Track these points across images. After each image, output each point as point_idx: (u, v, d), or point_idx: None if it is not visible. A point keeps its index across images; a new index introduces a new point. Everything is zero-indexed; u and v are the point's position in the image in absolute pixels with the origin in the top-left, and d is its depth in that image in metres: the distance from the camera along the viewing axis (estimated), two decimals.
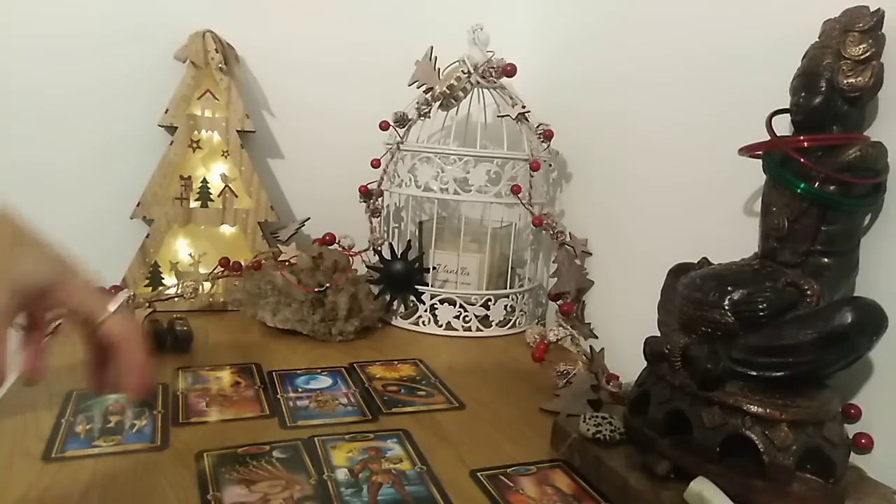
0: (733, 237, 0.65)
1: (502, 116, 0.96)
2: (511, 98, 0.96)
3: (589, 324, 0.94)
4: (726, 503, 0.47)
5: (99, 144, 0.99)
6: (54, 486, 0.51)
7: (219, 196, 0.99)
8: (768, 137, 0.56)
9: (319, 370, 0.78)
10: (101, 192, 0.99)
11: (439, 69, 0.95)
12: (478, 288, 0.99)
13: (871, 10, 0.52)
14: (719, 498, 0.47)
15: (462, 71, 0.93)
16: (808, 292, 0.51)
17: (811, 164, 0.52)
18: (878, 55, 0.52)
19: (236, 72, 0.98)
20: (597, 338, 0.92)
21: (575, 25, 1.04)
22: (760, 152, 0.58)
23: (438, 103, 0.94)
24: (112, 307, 0.41)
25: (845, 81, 0.51)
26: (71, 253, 0.40)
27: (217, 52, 0.94)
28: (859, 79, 0.51)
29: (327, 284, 0.89)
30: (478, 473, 0.56)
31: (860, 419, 0.55)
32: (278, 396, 0.70)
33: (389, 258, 0.94)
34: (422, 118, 0.95)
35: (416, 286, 0.95)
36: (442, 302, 0.96)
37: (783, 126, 0.57)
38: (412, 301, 0.96)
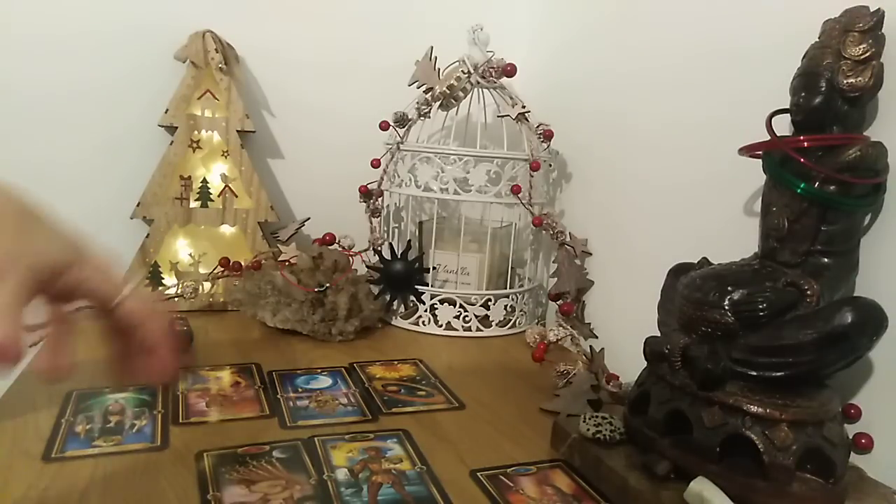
0: (733, 237, 0.65)
1: (502, 116, 0.96)
2: (511, 98, 0.96)
3: (589, 324, 0.94)
4: (726, 503, 0.47)
5: (99, 144, 0.99)
6: (54, 486, 0.51)
7: (219, 196, 0.99)
8: (768, 137, 0.56)
9: (319, 370, 0.78)
10: (101, 192, 0.99)
11: (439, 69, 0.95)
12: (478, 288, 0.99)
13: (871, 10, 0.52)
14: (719, 498, 0.47)
15: (462, 71, 0.93)
16: (808, 292, 0.51)
17: (811, 164, 0.52)
18: (878, 55, 0.52)
19: (236, 72, 0.98)
20: (597, 338, 0.92)
21: (575, 25, 1.04)
22: (760, 152, 0.58)
23: (438, 103, 0.94)
24: (129, 288, 0.40)
25: (845, 81, 0.51)
26: (85, 235, 0.40)
27: (217, 52, 0.94)
28: (859, 79, 0.51)
29: (327, 284, 0.89)
30: (478, 473, 0.56)
31: (860, 419, 0.55)
32: (278, 396, 0.70)
33: (389, 258, 0.94)
34: (422, 118, 0.95)
35: (416, 286, 0.95)
36: (442, 302, 0.96)
37: (783, 126, 0.57)
38: (412, 301, 0.96)
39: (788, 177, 0.54)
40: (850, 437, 0.54)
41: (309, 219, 1.03)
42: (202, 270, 0.99)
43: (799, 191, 0.53)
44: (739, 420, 0.49)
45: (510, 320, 0.99)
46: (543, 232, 0.96)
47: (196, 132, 0.97)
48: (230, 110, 0.97)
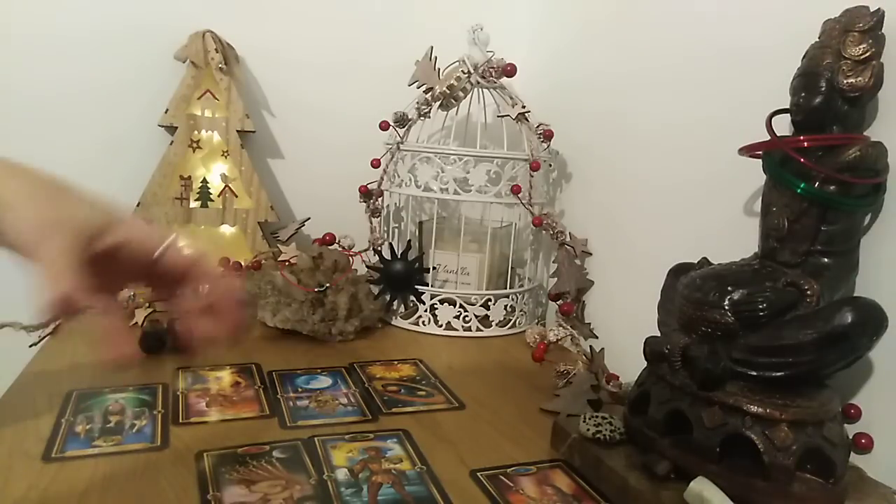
0: (733, 237, 0.64)
1: (502, 116, 0.96)
2: (511, 98, 0.96)
3: (589, 324, 0.94)
4: (726, 503, 0.47)
5: (99, 144, 0.99)
6: (54, 486, 0.51)
7: (219, 196, 0.99)
8: (768, 137, 0.56)
9: (319, 370, 0.78)
10: (101, 192, 0.99)
11: (439, 69, 0.95)
12: (478, 288, 0.99)
13: (871, 10, 0.52)
14: (719, 498, 0.47)
15: (462, 71, 0.93)
16: (808, 292, 0.51)
17: (811, 164, 0.52)
18: (878, 55, 0.52)
19: (236, 72, 0.98)
20: (597, 338, 0.92)
21: (575, 25, 1.04)
22: (760, 152, 0.58)
23: (438, 103, 0.94)
24: (170, 239, 0.41)
25: (845, 81, 0.51)
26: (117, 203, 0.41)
27: (217, 52, 0.94)
28: (859, 79, 0.51)
29: (327, 284, 0.89)
30: (478, 473, 0.56)
31: (860, 419, 0.55)
32: (278, 396, 0.70)
33: (389, 258, 0.94)
34: (422, 118, 0.95)
35: (416, 286, 0.95)
36: (442, 302, 0.96)
37: (783, 126, 0.57)
38: (412, 301, 0.96)
39: (788, 177, 0.54)
40: (850, 437, 0.54)
41: (309, 219, 1.04)
42: None
43: (799, 191, 0.53)
44: (739, 420, 0.49)
45: (510, 320, 0.99)
46: (543, 232, 0.96)
47: (196, 132, 0.97)
48: (230, 110, 0.97)
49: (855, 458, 0.54)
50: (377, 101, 0.97)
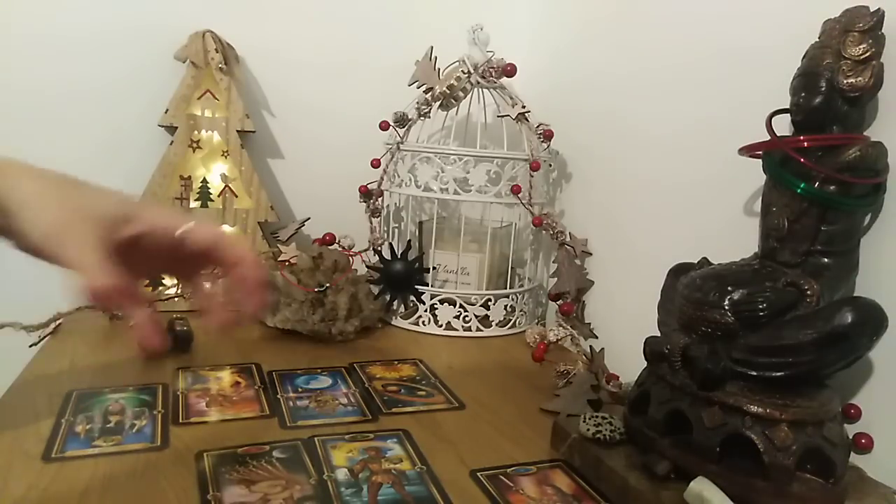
0: (733, 237, 0.64)
1: (502, 116, 0.96)
2: (511, 98, 0.96)
3: (589, 324, 0.94)
4: (726, 503, 0.47)
5: (99, 144, 0.99)
6: (54, 486, 0.51)
7: (219, 196, 0.99)
8: (768, 137, 0.56)
9: (319, 370, 0.78)
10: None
11: (439, 69, 0.95)
12: (478, 288, 0.99)
13: (871, 10, 0.52)
14: (719, 498, 0.47)
15: (462, 71, 0.93)
16: (808, 292, 0.51)
17: (811, 164, 0.52)
18: (878, 55, 0.52)
19: (236, 72, 0.98)
20: (597, 338, 0.92)
21: (575, 25, 1.04)
22: (760, 152, 0.58)
23: (438, 103, 0.94)
24: (193, 219, 0.42)
25: (845, 81, 0.51)
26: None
27: (217, 52, 0.94)
28: (859, 79, 0.51)
29: (327, 284, 0.89)
30: (478, 473, 0.56)
31: (860, 419, 0.55)
32: (278, 396, 0.70)
33: (389, 258, 0.94)
34: (422, 118, 0.95)
35: (416, 286, 0.95)
36: (442, 302, 0.96)
37: (783, 126, 0.57)
38: (412, 301, 0.96)
39: (788, 177, 0.54)
40: (850, 437, 0.54)
41: (309, 219, 1.03)
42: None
43: (799, 191, 0.53)
44: (739, 420, 0.49)
45: (510, 320, 0.99)
46: (543, 232, 0.96)
47: (196, 132, 0.97)
48: (230, 110, 0.97)
49: (855, 458, 0.54)
50: (377, 101, 0.97)
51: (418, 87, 0.95)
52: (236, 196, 1.00)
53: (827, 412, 0.49)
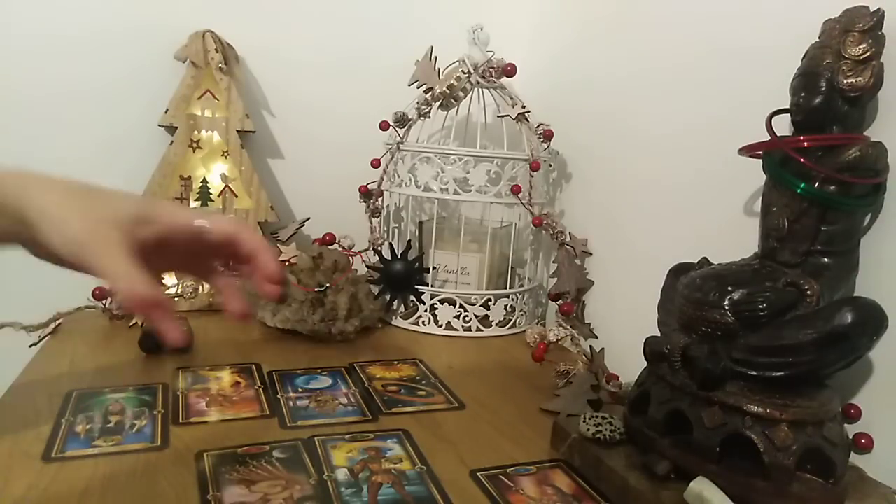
0: (733, 237, 0.64)
1: (502, 116, 0.96)
2: (511, 98, 0.96)
3: (589, 324, 0.94)
4: (726, 503, 0.47)
5: (99, 144, 0.99)
6: (54, 486, 0.51)
7: (219, 196, 0.99)
8: (768, 137, 0.56)
9: (319, 370, 0.78)
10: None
11: (439, 69, 0.95)
12: (478, 288, 0.99)
13: (871, 10, 0.52)
14: (719, 498, 0.47)
15: (462, 71, 0.93)
16: (808, 292, 0.51)
17: (811, 164, 0.52)
18: (878, 55, 0.52)
19: (236, 72, 0.98)
20: (597, 338, 0.92)
21: (575, 25, 1.04)
22: (760, 152, 0.58)
23: (438, 103, 0.94)
24: (209, 215, 0.43)
25: (845, 81, 0.51)
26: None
27: (217, 52, 0.94)
28: (859, 79, 0.51)
29: (327, 284, 0.89)
30: (478, 473, 0.56)
31: (860, 419, 0.55)
32: (278, 396, 0.70)
33: (389, 258, 0.94)
34: (422, 118, 0.95)
35: (416, 286, 0.95)
36: (442, 302, 0.96)
37: (783, 126, 0.57)
38: (412, 301, 0.96)
39: (788, 177, 0.54)
40: (850, 437, 0.54)
41: (309, 219, 1.03)
42: None
43: (799, 191, 0.53)
44: (739, 420, 0.49)
45: (510, 320, 0.99)
46: (543, 232, 0.96)
47: (196, 132, 0.97)
48: (230, 110, 0.97)
49: (855, 458, 0.54)
50: (377, 101, 0.97)
51: (418, 87, 0.95)
52: (236, 196, 1.00)
53: (827, 412, 0.49)
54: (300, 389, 0.72)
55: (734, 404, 0.49)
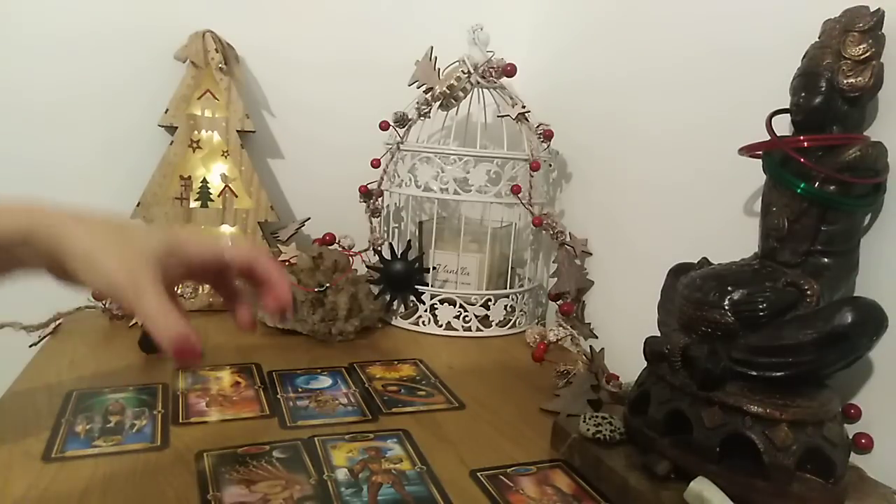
0: (733, 237, 0.65)
1: (502, 116, 0.96)
2: (511, 98, 0.96)
3: (589, 324, 0.94)
4: (726, 503, 0.47)
5: (99, 144, 0.99)
6: (54, 486, 0.51)
7: (219, 196, 0.99)
8: (768, 137, 0.56)
9: (319, 370, 0.78)
10: (101, 192, 0.99)
11: (439, 69, 0.95)
12: (478, 288, 0.99)
13: (871, 10, 0.52)
14: (719, 498, 0.47)
15: (462, 71, 0.93)
16: (808, 292, 0.51)
17: (811, 164, 0.52)
18: (878, 55, 0.52)
19: (236, 72, 0.98)
20: (597, 338, 0.92)
21: (575, 25, 1.04)
22: (760, 152, 0.58)
23: (438, 103, 0.94)
24: (227, 242, 0.45)
25: (845, 81, 0.51)
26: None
27: (217, 52, 0.94)
28: (859, 79, 0.51)
29: (327, 284, 0.89)
30: (478, 473, 0.56)
31: (860, 419, 0.55)
32: (278, 396, 0.70)
33: (389, 258, 0.94)
34: (422, 118, 0.95)
35: (416, 286, 0.95)
36: (442, 302, 0.96)
37: (783, 126, 0.57)
38: (412, 301, 0.96)
39: (788, 177, 0.54)
40: (850, 437, 0.54)
41: (309, 219, 1.04)
42: None
43: (799, 191, 0.53)
44: (739, 420, 0.49)
45: (510, 320, 0.99)
46: (543, 232, 0.96)
47: (196, 132, 0.97)
48: (230, 110, 0.97)
49: (855, 458, 0.54)
50: (377, 101, 0.97)
51: (418, 87, 0.95)
52: (236, 196, 1.00)
53: (827, 412, 0.49)
54: (300, 389, 0.72)
55: (734, 404, 0.49)
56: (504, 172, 0.92)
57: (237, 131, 0.98)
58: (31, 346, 0.81)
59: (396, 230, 1.05)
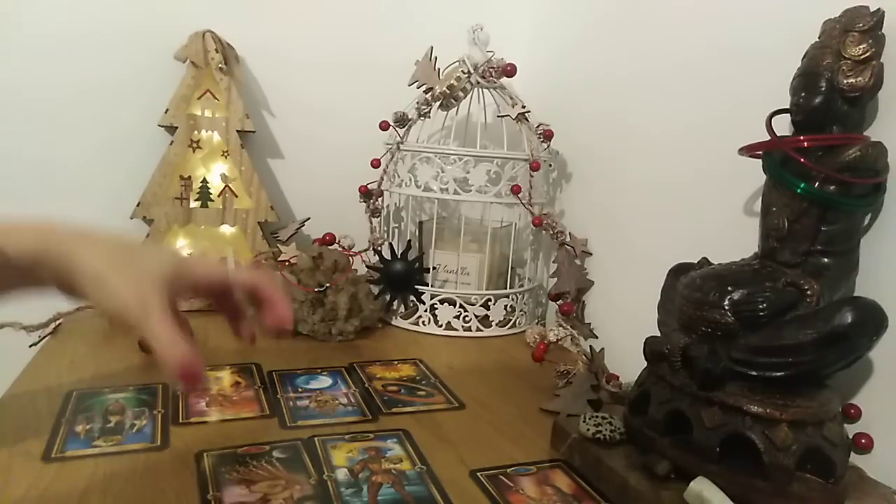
0: (733, 237, 0.65)
1: (502, 116, 0.96)
2: (511, 98, 0.96)
3: (589, 324, 0.94)
4: (726, 503, 0.47)
5: (99, 144, 0.99)
6: (54, 486, 0.51)
7: (219, 196, 0.99)
8: (768, 137, 0.56)
9: (319, 370, 0.78)
10: (101, 192, 0.99)
11: (439, 69, 0.95)
12: (478, 288, 0.99)
13: (871, 10, 0.52)
14: (719, 498, 0.47)
15: (462, 71, 0.93)
16: (808, 292, 0.51)
17: (811, 164, 0.52)
18: (878, 55, 0.52)
19: (236, 72, 0.98)
20: (597, 338, 0.92)
21: (575, 25, 1.04)
22: (760, 152, 0.58)
23: (438, 103, 0.94)
24: (230, 264, 0.48)
25: (845, 81, 0.51)
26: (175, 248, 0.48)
27: (217, 52, 0.94)
28: (859, 79, 0.51)
29: (327, 284, 0.89)
30: (478, 473, 0.56)
31: (860, 419, 0.55)
32: (278, 396, 0.70)
33: (389, 258, 0.94)
34: (422, 118, 0.95)
35: (416, 286, 0.95)
36: (442, 302, 0.96)
37: (783, 126, 0.57)
38: (412, 301, 0.96)
39: (788, 177, 0.54)
40: (850, 437, 0.54)
41: (309, 219, 1.04)
42: None
43: (799, 191, 0.53)
44: (739, 420, 0.49)
45: (510, 320, 0.99)
46: (543, 232, 0.96)
47: (196, 132, 0.97)
48: (230, 110, 0.97)
49: (855, 458, 0.54)
50: (377, 101, 0.97)
51: (418, 87, 0.95)
52: (236, 196, 1.00)
53: (827, 412, 0.49)
54: (300, 389, 0.72)
55: (734, 404, 0.49)
56: (504, 172, 0.92)
57: (237, 131, 0.98)
58: (31, 346, 0.81)
59: (396, 230, 1.05)
